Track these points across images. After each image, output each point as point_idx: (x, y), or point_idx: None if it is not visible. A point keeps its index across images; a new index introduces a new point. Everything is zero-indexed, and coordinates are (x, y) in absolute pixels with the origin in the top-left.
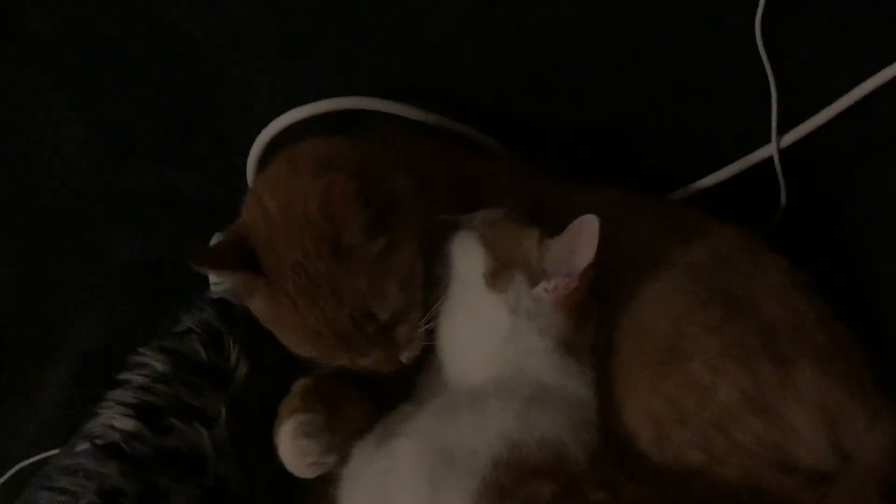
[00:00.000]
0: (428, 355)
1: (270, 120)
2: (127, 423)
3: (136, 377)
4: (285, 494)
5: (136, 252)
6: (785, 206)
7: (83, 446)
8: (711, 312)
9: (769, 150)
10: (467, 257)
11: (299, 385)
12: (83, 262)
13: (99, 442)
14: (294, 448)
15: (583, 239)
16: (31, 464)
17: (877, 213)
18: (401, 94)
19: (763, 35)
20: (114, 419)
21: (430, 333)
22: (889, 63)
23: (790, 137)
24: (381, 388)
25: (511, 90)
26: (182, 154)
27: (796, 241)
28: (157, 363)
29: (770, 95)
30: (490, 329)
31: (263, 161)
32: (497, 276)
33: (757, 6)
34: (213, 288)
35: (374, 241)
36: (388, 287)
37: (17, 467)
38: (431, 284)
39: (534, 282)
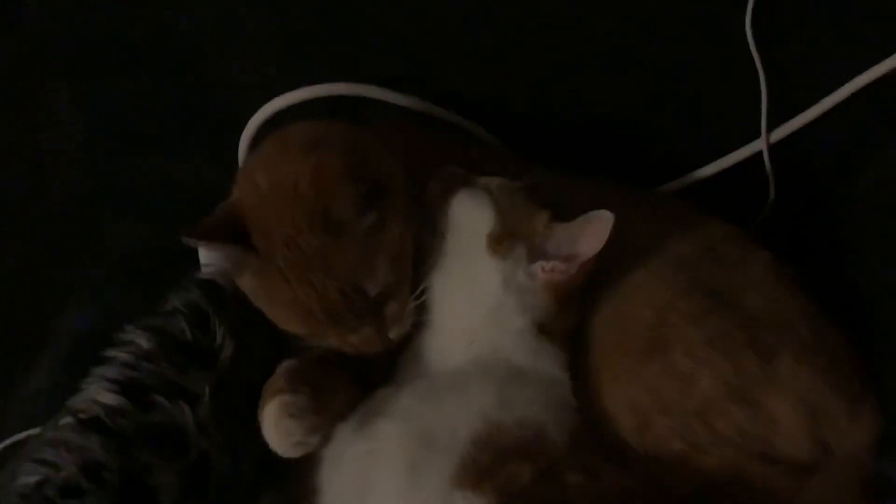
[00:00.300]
0: (409, 339)
1: None
2: (110, 399)
3: (121, 354)
4: (269, 474)
5: (132, 239)
6: (773, 201)
7: (67, 420)
8: (695, 303)
9: (758, 145)
10: (475, 215)
11: (284, 367)
12: (80, 248)
13: (82, 416)
14: (278, 428)
15: (592, 230)
16: (20, 441)
17: (864, 211)
18: (397, 85)
19: (754, 30)
20: (98, 394)
21: (420, 309)
22: (879, 60)
23: (780, 133)
24: (365, 372)
25: (506, 83)
26: (179, 143)
27: (784, 236)
28: (143, 341)
29: (760, 91)
30: (479, 295)
31: (255, 145)
32: (499, 242)
33: (747, 2)
34: (203, 270)
35: (364, 216)
36: (377, 262)
37: (5, 443)
38: (424, 250)
39: (532, 259)
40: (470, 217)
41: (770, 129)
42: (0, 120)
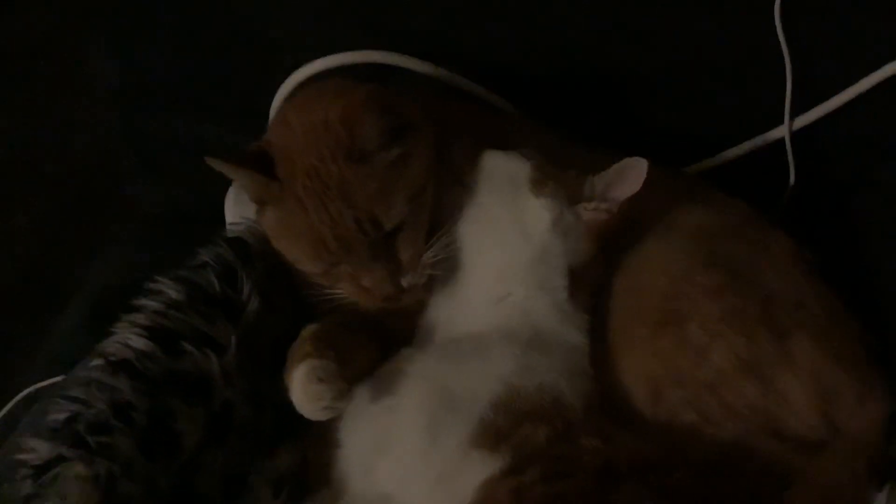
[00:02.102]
0: (430, 304)
1: None
2: (140, 343)
3: (150, 303)
4: (288, 427)
5: (159, 198)
6: (793, 187)
7: (97, 362)
8: (713, 277)
9: (781, 131)
10: (512, 164)
11: (309, 330)
12: (107, 205)
13: (112, 358)
14: (307, 392)
15: (629, 174)
16: (45, 388)
17: (884, 202)
18: (426, 55)
19: (782, 16)
20: (128, 338)
21: (436, 264)
22: None
23: (803, 120)
24: (387, 338)
25: (530, 57)
26: (209, 105)
27: (802, 223)
28: (172, 291)
29: (785, 77)
30: (526, 238)
31: None
32: (542, 185)
33: None
34: (229, 228)
35: (389, 149)
36: (396, 196)
37: (29, 389)
38: (448, 207)
39: (573, 202)
40: (507, 165)
41: (794, 115)
42: (34, 75)
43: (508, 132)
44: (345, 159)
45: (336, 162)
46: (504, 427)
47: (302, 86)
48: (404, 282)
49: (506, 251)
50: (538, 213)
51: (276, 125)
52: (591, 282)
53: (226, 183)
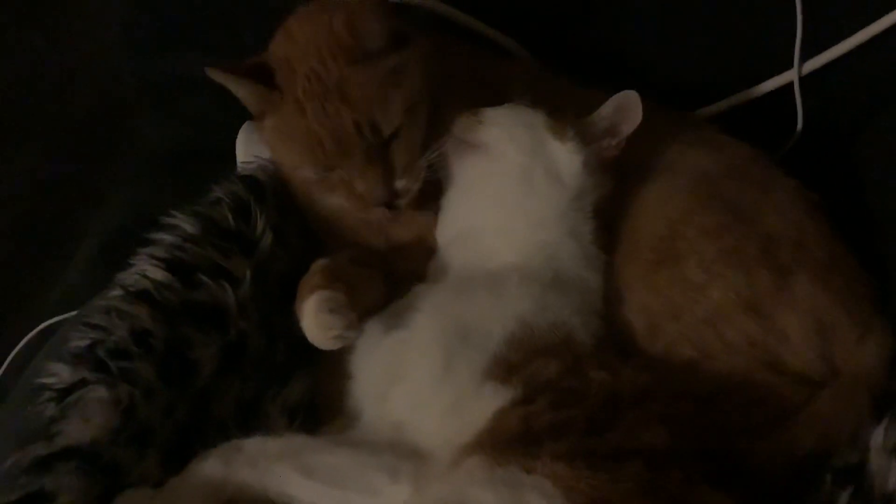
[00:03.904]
0: (441, 249)
1: None
2: (158, 274)
3: (167, 237)
4: (301, 357)
5: (169, 137)
6: (801, 132)
7: (116, 292)
8: (711, 218)
9: (790, 75)
10: (523, 115)
11: (319, 265)
12: (118, 143)
13: (132, 289)
14: (318, 322)
15: (628, 108)
16: (60, 322)
17: (890, 147)
18: None
19: None
20: (146, 270)
21: (430, 169)
22: None
23: (812, 64)
24: (396, 275)
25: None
26: (220, 44)
27: (808, 167)
28: (188, 225)
29: (796, 20)
30: (559, 185)
31: None
32: (563, 130)
33: None
34: (240, 167)
35: (388, 55)
36: (394, 101)
37: (42, 325)
38: (439, 127)
39: (587, 142)
40: (520, 117)
41: (803, 60)
42: (41, 14)
43: (512, 75)
44: (347, 60)
45: (337, 62)
46: (516, 361)
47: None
48: (398, 184)
49: (541, 199)
50: (568, 157)
51: (278, 37)
52: (609, 219)
53: (236, 122)
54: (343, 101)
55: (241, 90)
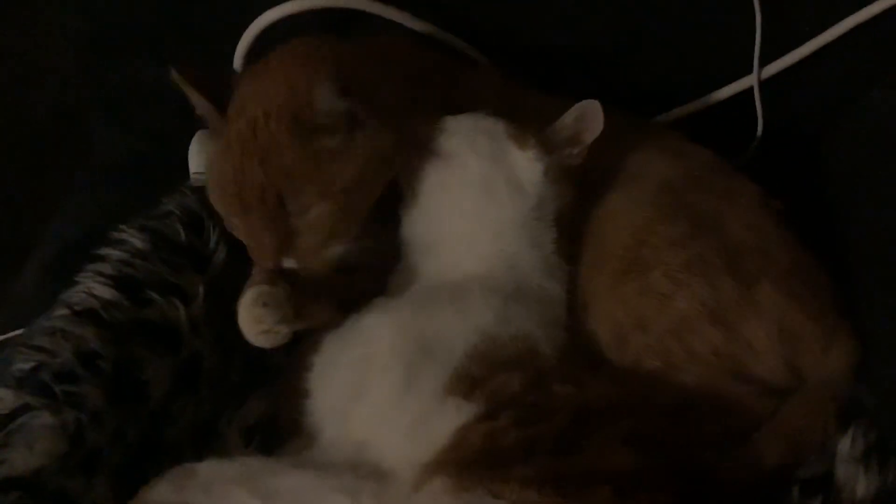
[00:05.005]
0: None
1: None
2: (105, 292)
3: (115, 252)
4: (257, 377)
5: (122, 147)
6: (761, 138)
7: (62, 311)
8: (676, 227)
9: (750, 80)
10: (482, 123)
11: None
12: (70, 154)
13: (77, 308)
14: (249, 314)
15: (590, 118)
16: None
17: (851, 151)
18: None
19: None
20: (93, 288)
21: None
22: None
23: (772, 69)
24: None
25: (502, 6)
26: (173, 52)
27: (770, 172)
28: (137, 240)
29: (755, 24)
30: (520, 194)
31: (251, 57)
32: (524, 138)
33: None
34: (192, 178)
35: (332, 135)
36: (313, 182)
37: None
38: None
39: (548, 151)
40: (481, 125)
41: (762, 65)
42: None
43: (476, 83)
44: (287, 125)
45: (279, 125)
46: (479, 375)
47: (267, 33)
48: (286, 263)
49: (501, 208)
50: (529, 165)
51: (254, 67)
52: (572, 229)
53: (189, 132)
54: (261, 162)
55: (198, 105)
